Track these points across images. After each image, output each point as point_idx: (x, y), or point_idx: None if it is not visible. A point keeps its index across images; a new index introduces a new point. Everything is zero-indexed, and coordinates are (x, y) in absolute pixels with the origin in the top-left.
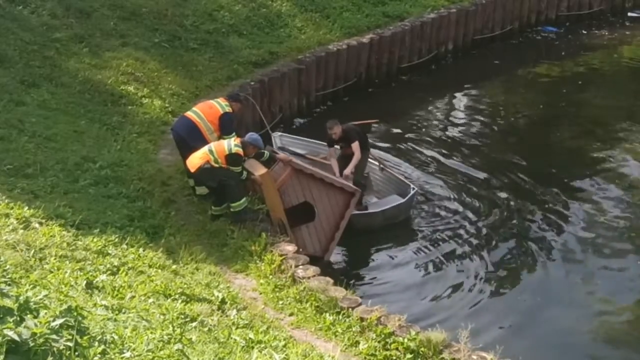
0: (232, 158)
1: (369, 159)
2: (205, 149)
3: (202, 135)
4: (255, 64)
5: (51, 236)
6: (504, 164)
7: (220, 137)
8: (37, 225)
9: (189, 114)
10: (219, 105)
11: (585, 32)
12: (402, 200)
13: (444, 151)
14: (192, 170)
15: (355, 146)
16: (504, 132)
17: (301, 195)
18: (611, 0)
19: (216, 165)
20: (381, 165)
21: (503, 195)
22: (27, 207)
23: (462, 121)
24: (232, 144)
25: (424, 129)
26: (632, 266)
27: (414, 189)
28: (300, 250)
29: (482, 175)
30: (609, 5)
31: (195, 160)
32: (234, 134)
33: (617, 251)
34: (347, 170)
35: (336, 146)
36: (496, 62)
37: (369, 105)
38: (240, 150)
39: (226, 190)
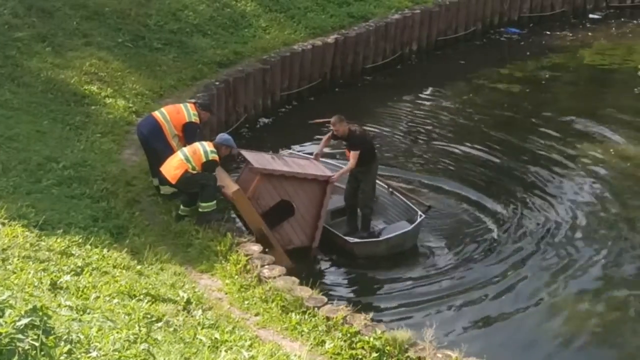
0: (208, 165)
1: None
2: (179, 156)
3: (164, 138)
4: (220, 64)
5: (14, 237)
6: (467, 164)
7: (184, 144)
8: None
9: (155, 114)
10: (187, 112)
11: (548, 33)
12: (409, 228)
13: (408, 151)
14: (173, 181)
15: (353, 154)
16: (468, 132)
17: (276, 195)
18: (573, 2)
19: (194, 172)
20: (390, 189)
21: (467, 194)
22: None
23: (426, 121)
24: (208, 150)
25: (388, 129)
26: (600, 266)
27: (421, 215)
28: (288, 245)
29: (444, 174)
30: (571, 7)
31: (171, 170)
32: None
33: (584, 250)
34: (335, 176)
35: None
36: (461, 63)
37: (334, 106)
38: (216, 157)
39: (204, 190)
